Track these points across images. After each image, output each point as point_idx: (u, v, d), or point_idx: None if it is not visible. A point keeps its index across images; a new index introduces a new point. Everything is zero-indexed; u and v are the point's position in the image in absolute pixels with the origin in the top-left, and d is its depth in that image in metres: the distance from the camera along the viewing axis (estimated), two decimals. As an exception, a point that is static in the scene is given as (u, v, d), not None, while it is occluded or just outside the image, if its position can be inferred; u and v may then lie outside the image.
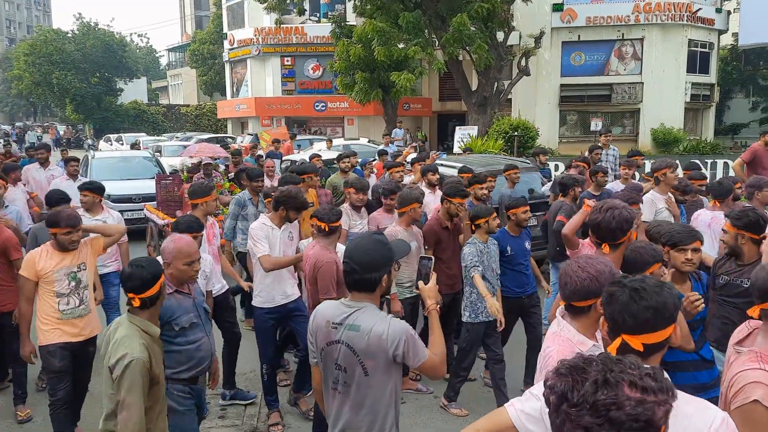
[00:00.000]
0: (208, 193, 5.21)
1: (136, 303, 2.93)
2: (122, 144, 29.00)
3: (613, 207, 3.21)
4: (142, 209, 10.67)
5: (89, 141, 36.82)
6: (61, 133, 42.85)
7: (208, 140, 28.12)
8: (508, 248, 5.15)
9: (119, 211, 10.69)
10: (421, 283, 2.88)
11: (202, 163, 9.92)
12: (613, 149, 10.18)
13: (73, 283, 4.34)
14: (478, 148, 14.32)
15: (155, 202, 10.20)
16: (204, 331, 3.56)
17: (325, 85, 30.41)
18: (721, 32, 26.20)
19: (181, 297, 3.46)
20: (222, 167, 11.43)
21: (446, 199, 5.39)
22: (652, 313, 1.85)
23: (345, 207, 5.89)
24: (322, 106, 29.99)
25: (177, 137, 30.25)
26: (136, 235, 10.49)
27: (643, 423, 1.29)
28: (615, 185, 7.55)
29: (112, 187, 11.06)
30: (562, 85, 24.31)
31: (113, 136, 32.04)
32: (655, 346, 1.88)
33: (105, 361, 2.88)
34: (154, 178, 12.32)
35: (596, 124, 20.74)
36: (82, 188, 5.83)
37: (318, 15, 30.63)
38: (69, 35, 42.28)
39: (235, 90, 34.27)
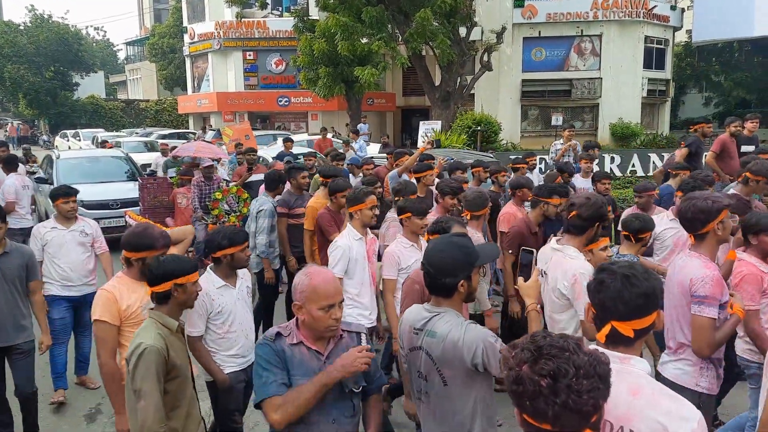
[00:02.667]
0: (362, 200, 4.36)
1: (149, 292, 2.96)
2: (79, 140, 28.24)
3: (691, 197, 3.15)
4: (123, 216, 9.69)
5: (44, 137, 35.77)
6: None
7: (169, 135, 27.73)
8: None
9: (94, 219, 10.01)
10: (520, 280, 2.72)
11: (202, 165, 8.77)
12: (576, 144, 10.39)
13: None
14: (441, 143, 14.41)
15: (139, 209, 9.29)
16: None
17: (288, 80, 30.16)
18: (675, 29, 26.89)
19: (309, 357, 2.44)
20: (222, 169, 10.60)
21: (541, 200, 4.90)
22: (643, 299, 1.87)
23: (394, 217, 4.98)
24: (286, 101, 29.76)
25: (137, 133, 29.62)
26: (115, 246, 9.52)
27: (609, 367, 1.48)
28: (579, 180, 7.71)
29: (83, 192, 9.93)
30: (523, 81, 24.64)
31: (69, 132, 31.18)
32: (643, 331, 1.91)
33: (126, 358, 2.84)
34: (130, 179, 11.43)
35: (557, 119, 21.12)
36: (63, 194, 5.15)
37: (280, 9, 30.34)
38: (21, 28, 40.90)
39: (196, 85, 33.71)
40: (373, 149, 16.94)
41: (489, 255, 2.63)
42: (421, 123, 18.09)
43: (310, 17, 21.65)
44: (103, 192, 10.69)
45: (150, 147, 22.05)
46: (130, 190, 10.75)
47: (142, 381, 2.67)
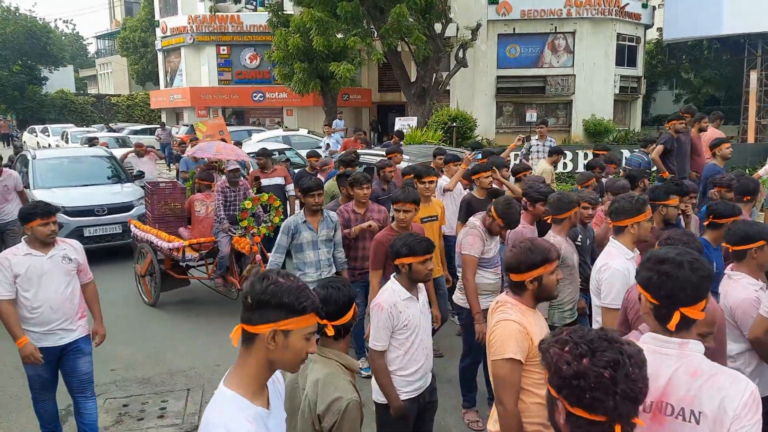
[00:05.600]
0: (642, 211, 3.60)
1: (330, 332, 2.41)
2: (48, 135, 27.64)
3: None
4: (112, 224, 9.22)
5: (13, 133, 34.87)
6: None
7: (142, 131, 27.29)
8: None
9: (78, 227, 9.03)
10: None
11: (227, 168, 7.50)
12: (550, 140, 10.47)
13: None
14: (417, 139, 14.44)
15: (145, 218, 8.32)
16: None
17: (263, 75, 29.89)
18: (647, 27, 27.25)
19: None
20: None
21: (659, 204, 4.43)
22: (707, 280, 1.97)
23: (476, 224, 4.61)
24: (260, 97, 29.50)
25: (108, 128, 29.10)
26: (102, 257, 8.93)
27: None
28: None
29: (63, 197, 9.17)
30: (498, 77, 24.77)
31: (38, 128, 30.50)
32: (705, 309, 2.00)
33: (304, 405, 2.44)
34: (116, 182, 10.51)
35: (531, 115, 21.32)
36: (42, 214, 3.94)
37: (254, 3, 30.03)
38: (-13, 20, 39.85)
39: (168, 79, 33.22)
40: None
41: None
42: (396, 119, 18.11)
43: (284, 12, 21.48)
44: (86, 197, 9.54)
45: (122, 143, 21.71)
46: (116, 193, 9.89)
47: None
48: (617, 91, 25.62)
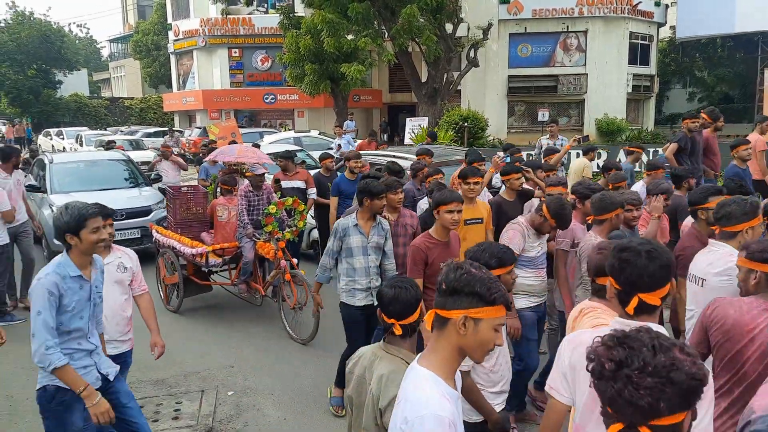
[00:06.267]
0: (756, 215, 3.42)
1: (398, 330, 2.50)
2: (63, 138, 27.92)
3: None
4: (132, 229, 9.10)
5: (28, 137, 35.24)
6: (3, 130, 40.38)
7: (155, 134, 27.49)
8: None
9: None
10: None
11: (253, 172, 7.27)
12: (562, 139, 10.43)
13: None
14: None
15: (165, 222, 8.15)
16: None
17: (274, 77, 30.02)
18: (660, 25, 27.06)
19: None
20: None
21: (699, 208, 4.21)
22: (665, 270, 2.13)
23: (520, 220, 4.50)
24: (272, 99, 29.62)
25: (122, 131, 29.37)
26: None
27: (698, 381, 1.45)
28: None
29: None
30: (509, 77, 24.69)
31: (53, 131, 30.83)
32: (665, 297, 2.16)
33: (369, 400, 2.47)
34: (133, 185, 10.38)
35: (543, 115, 21.24)
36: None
37: (266, 5, 30.16)
38: (2, 25, 40.34)
39: (181, 82, 33.45)
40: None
41: None
42: (407, 120, 18.11)
43: (295, 14, 21.56)
44: (104, 201, 9.70)
45: (135, 145, 21.90)
46: (134, 198, 9.78)
47: None
48: (630, 90, 25.44)
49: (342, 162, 8.92)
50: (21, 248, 7.58)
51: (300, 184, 8.57)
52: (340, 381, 4.85)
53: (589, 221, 4.44)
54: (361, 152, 8.72)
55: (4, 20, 40.76)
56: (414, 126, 16.89)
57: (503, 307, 1.87)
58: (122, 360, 3.94)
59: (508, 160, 7.29)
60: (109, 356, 3.71)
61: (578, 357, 2.14)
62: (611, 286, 2.21)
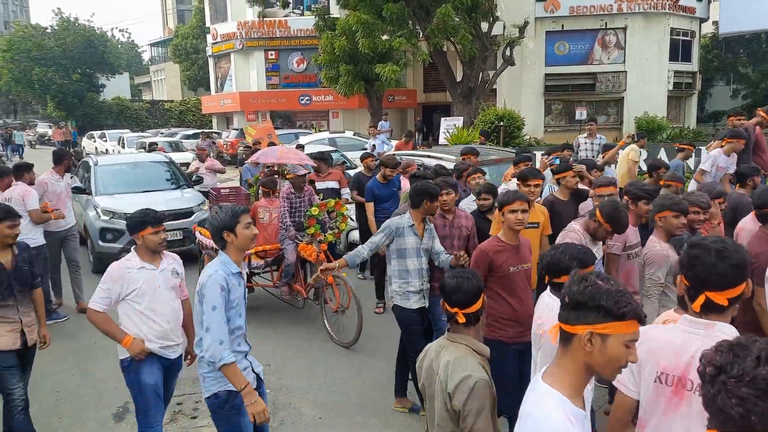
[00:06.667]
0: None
1: (461, 319, 2.57)
2: (106, 141, 28.67)
3: None
4: (177, 230, 8.92)
5: (73, 140, 36.31)
6: (49, 132, 41.46)
7: (193, 135, 28.00)
8: None
9: None
10: None
11: (295, 173, 7.23)
12: (600, 138, 10.24)
13: None
14: (464, 139, 14.34)
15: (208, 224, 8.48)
16: None
17: (309, 79, 30.27)
18: (702, 20, 26.39)
19: None
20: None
21: None
22: (735, 270, 2.08)
23: (576, 228, 4.33)
24: (307, 100, 29.87)
25: (162, 133, 30.01)
26: None
27: None
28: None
29: (125, 203, 9.16)
30: (546, 75, 24.39)
31: (96, 133, 31.69)
32: (735, 299, 2.12)
33: (438, 388, 2.54)
34: (176, 187, 10.42)
35: (581, 113, 20.88)
36: (153, 221, 3.81)
37: (301, 8, 30.43)
38: (48, 31, 41.66)
39: (219, 85, 34.01)
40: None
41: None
42: (442, 119, 18.04)
43: (330, 15, 21.68)
44: (148, 203, 9.25)
45: (175, 147, 22.35)
46: (176, 199, 9.82)
47: (476, 418, 2.39)
48: (671, 87, 24.86)
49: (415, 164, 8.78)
50: (66, 251, 7.65)
51: (333, 184, 8.58)
52: (400, 389, 4.95)
53: (643, 222, 4.27)
54: (396, 152, 8.67)
55: (51, 26, 42.09)
56: (449, 126, 16.80)
57: (635, 322, 1.72)
58: (178, 364, 4.05)
59: (558, 161, 7.12)
60: (172, 360, 3.90)
61: (644, 351, 2.13)
62: (681, 282, 2.22)
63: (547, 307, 2.98)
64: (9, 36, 44.15)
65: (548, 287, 3.08)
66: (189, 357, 4.13)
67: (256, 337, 6.65)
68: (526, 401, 1.84)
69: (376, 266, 7.50)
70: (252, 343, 6.37)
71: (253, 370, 3.45)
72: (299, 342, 6.58)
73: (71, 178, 8.66)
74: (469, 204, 6.03)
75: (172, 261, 3.98)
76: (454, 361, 2.45)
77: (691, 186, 6.68)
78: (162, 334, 3.81)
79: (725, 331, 2.03)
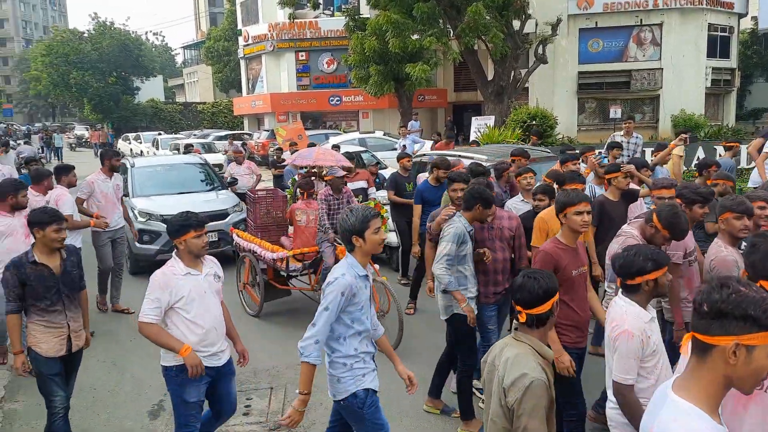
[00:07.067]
0: None
1: (522, 318, 2.56)
2: (140, 142, 29.20)
3: None
4: (212, 231, 8.49)
5: (110, 142, 37.12)
6: (86, 135, 42.32)
7: (225, 137, 28.32)
8: None
9: None
10: None
11: (333, 175, 7.09)
12: (636, 137, 10.01)
13: None
14: (495, 139, 14.18)
15: (244, 226, 8.10)
16: None
17: (339, 79, 30.38)
18: (740, 16, 25.72)
19: None
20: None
21: None
22: None
23: (633, 233, 4.13)
24: (337, 101, 29.98)
25: (194, 134, 30.44)
26: None
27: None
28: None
29: (161, 205, 9.21)
30: (579, 73, 24.03)
31: (131, 135, 32.31)
32: None
33: (495, 383, 2.54)
34: (211, 189, 10.38)
35: (615, 112, 20.51)
36: (196, 225, 3.65)
37: (332, 8, 30.56)
38: (85, 35, 42.69)
39: (250, 86, 34.36)
40: (426, 148, 16.82)
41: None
42: (473, 119, 17.89)
43: (361, 15, 21.71)
44: (183, 205, 9.18)
45: (207, 148, 22.62)
46: (212, 201, 9.77)
47: (530, 417, 2.37)
48: (709, 85, 24.25)
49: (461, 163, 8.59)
50: (114, 253, 7.52)
51: (362, 184, 8.51)
52: (434, 390, 4.88)
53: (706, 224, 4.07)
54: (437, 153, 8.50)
55: (88, 31, 43.11)
56: (480, 125, 16.64)
57: None
58: (229, 369, 3.94)
59: (606, 160, 6.90)
60: (218, 367, 3.78)
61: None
62: (743, 271, 2.35)
63: (621, 309, 2.92)
64: (48, 41, 45.39)
65: (620, 290, 2.99)
66: (242, 357, 4.07)
67: (288, 336, 6.68)
68: (659, 418, 1.71)
69: (417, 269, 7.31)
70: (286, 342, 6.37)
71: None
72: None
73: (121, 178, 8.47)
74: (516, 204, 5.86)
75: (212, 265, 3.86)
76: (514, 359, 2.46)
77: (753, 177, 6.38)
78: (210, 341, 3.72)
79: None
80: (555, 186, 5.13)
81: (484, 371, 2.68)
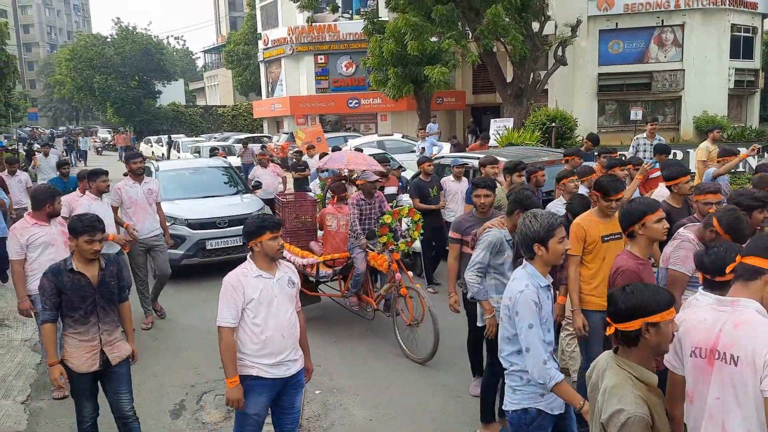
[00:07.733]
0: None
1: (609, 330, 2.38)
2: (162, 145, 29.54)
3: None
4: (237, 236, 8.62)
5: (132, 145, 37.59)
6: (109, 138, 42.92)
7: (246, 140, 28.54)
8: None
9: (201, 240, 8.79)
10: None
11: (366, 179, 6.73)
12: (659, 139, 9.91)
13: None
14: (515, 141, 14.14)
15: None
16: None
17: (358, 82, 30.47)
18: (764, 16, 25.34)
19: None
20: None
21: None
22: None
23: (690, 237, 3.92)
24: (356, 103, 30.07)
25: (215, 138, 30.73)
26: (223, 270, 8.63)
27: None
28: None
29: (186, 209, 9.16)
30: (600, 74, 23.84)
31: (153, 138, 32.71)
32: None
33: (596, 415, 2.43)
34: (235, 193, 10.32)
35: (636, 113, 20.28)
36: (272, 226, 3.53)
37: (350, 12, 30.69)
38: (108, 40, 43.37)
39: (270, 90, 34.62)
40: (444, 150, 16.79)
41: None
42: (492, 121, 17.82)
43: (379, 18, 21.77)
44: (208, 209, 9.34)
45: (228, 151, 22.82)
46: (236, 205, 9.70)
47: None
48: (732, 86, 23.91)
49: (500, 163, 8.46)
50: (155, 262, 7.26)
51: (392, 189, 8.40)
52: (488, 413, 4.51)
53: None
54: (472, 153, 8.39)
55: (110, 35, 43.78)
56: (499, 127, 16.58)
57: None
58: (297, 380, 3.72)
59: (657, 165, 6.65)
60: (286, 379, 3.59)
61: (681, 332, 2.51)
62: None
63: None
64: (72, 46, 46.16)
65: (701, 287, 2.75)
66: (307, 373, 3.88)
67: (321, 343, 6.71)
68: None
69: (432, 258, 7.97)
70: (315, 349, 6.32)
71: None
72: (349, 343, 6.58)
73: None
74: (557, 207, 5.62)
75: (287, 270, 3.66)
76: (611, 390, 2.31)
77: None
78: (273, 350, 3.51)
79: (750, 307, 2.34)
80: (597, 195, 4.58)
81: (588, 387, 2.54)
